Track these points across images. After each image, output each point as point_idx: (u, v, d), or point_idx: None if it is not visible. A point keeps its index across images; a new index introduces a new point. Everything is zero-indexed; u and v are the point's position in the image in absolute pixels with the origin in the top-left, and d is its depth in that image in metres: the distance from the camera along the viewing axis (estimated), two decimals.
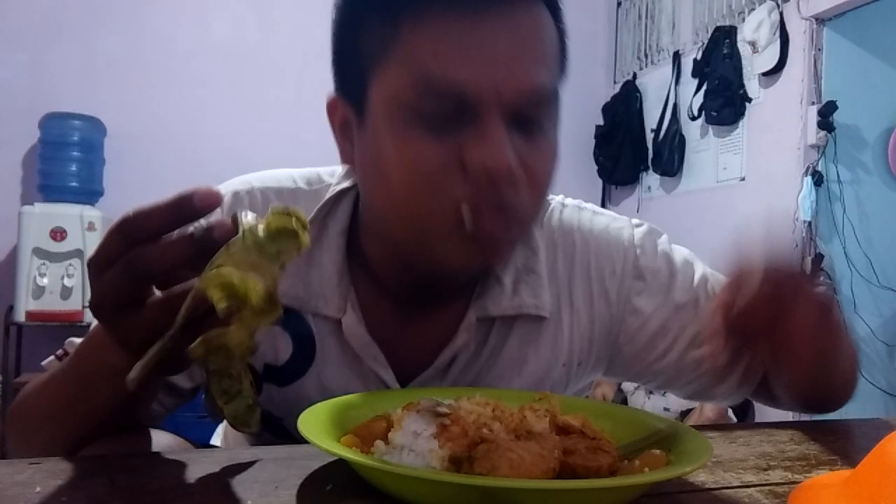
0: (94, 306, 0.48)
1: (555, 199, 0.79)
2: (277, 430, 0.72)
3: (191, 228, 0.46)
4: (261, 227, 0.44)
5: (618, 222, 0.79)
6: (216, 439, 0.96)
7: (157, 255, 0.45)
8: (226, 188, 0.73)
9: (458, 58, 0.56)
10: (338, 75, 0.66)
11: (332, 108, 0.67)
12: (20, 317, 3.06)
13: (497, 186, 0.57)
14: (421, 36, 0.57)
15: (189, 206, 0.45)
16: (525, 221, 0.64)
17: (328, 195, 0.72)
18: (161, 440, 0.66)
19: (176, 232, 0.46)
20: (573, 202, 0.81)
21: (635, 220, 0.81)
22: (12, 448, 0.68)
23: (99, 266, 0.46)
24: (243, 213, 0.45)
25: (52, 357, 0.71)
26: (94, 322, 0.60)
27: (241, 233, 0.44)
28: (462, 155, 0.57)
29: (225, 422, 0.96)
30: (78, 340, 0.67)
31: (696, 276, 0.78)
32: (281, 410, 0.71)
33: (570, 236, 0.76)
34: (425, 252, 0.62)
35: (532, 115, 0.59)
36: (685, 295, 0.76)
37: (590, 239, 0.76)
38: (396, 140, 0.59)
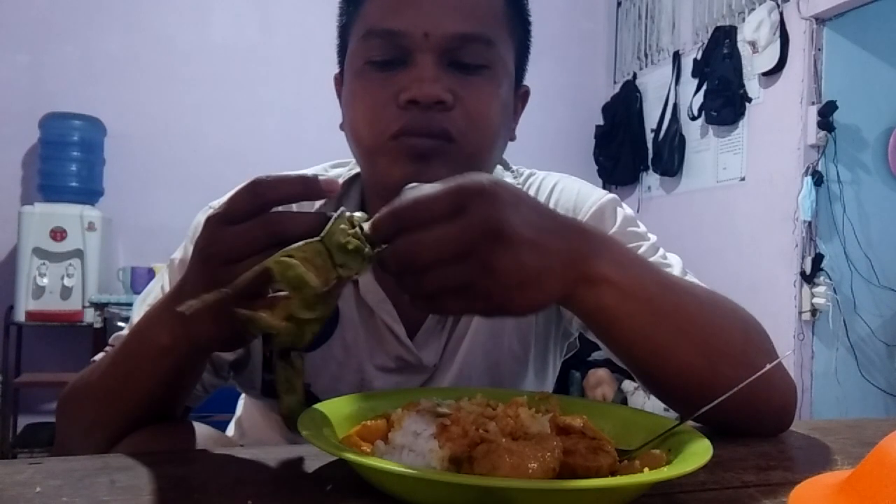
0: (206, 256, 0.51)
1: (547, 171, 0.87)
2: (306, 396, 0.74)
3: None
4: (342, 238, 0.48)
5: (593, 190, 0.84)
6: (230, 431, 0.96)
7: (296, 222, 0.49)
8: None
9: (393, 12, 0.69)
10: (338, 55, 0.78)
11: (336, 84, 0.79)
12: (20, 317, 3.07)
13: (424, 112, 0.66)
14: (371, 4, 0.71)
15: (315, 185, 0.51)
16: (466, 146, 0.68)
17: (341, 180, 0.80)
18: (201, 432, 0.69)
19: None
20: (564, 174, 0.87)
21: (613, 196, 0.84)
22: (58, 436, 0.70)
23: (225, 220, 0.50)
24: (342, 214, 0.49)
25: (100, 353, 0.74)
26: (135, 311, 0.73)
27: (322, 234, 0.48)
28: (398, 90, 0.67)
29: (238, 416, 0.98)
30: (123, 334, 0.73)
31: (642, 249, 0.77)
32: (309, 376, 0.75)
33: (546, 194, 0.84)
34: (374, 176, 0.73)
35: (468, 58, 0.69)
36: None
37: (560, 197, 0.83)
38: (354, 84, 0.72)
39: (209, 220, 0.51)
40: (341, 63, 0.78)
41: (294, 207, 0.75)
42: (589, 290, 0.51)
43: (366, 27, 0.70)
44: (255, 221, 0.49)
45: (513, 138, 0.78)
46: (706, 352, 0.57)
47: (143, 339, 0.60)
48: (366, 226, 0.49)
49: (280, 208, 0.67)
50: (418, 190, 0.47)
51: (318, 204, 0.78)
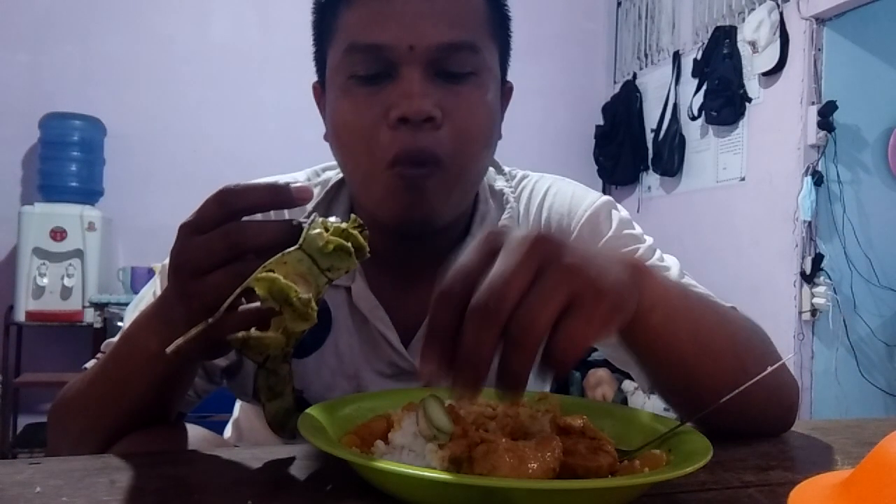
0: (175, 266, 0.50)
1: (540, 174, 0.87)
2: (297, 402, 0.74)
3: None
4: (320, 242, 0.47)
5: (587, 193, 0.83)
6: (227, 432, 0.96)
7: (257, 231, 0.48)
8: None
9: (376, 25, 0.66)
10: (315, 62, 0.76)
11: (315, 92, 0.78)
12: (20, 317, 3.07)
13: (415, 133, 0.65)
14: (351, 14, 0.68)
15: (286, 194, 0.49)
16: (454, 166, 0.67)
17: (331, 183, 0.80)
18: (195, 434, 0.69)
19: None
20: (557, 177, 0.86)
21: (608, 198, 0.83)
22: (50, 442, 0.70)
23: (193, 229, 0.49)
24: (315, 220, 0.49)
25: (92, 360, 0.74)
26: (128, 315, 0.73)
27: (300, 242, 0.47)
28: (386, 107, 0.66)
29: (236, 417, 0.98)
30: (115, 340, 0.72)
31: (639, 252, 0.77)
32: (301, 382, 0.74)
33: (539, 198, 0.83)
34: (368, 202, 0.71)
35: (454, 66, 0.67)
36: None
37: (554, 201, 0.82)
38: (338, 101, 0.70)
39: (180, 229, 0.50)
40: (320, 72, 0.76)
41: (286, 214, 0.75)
42: (643, 314, 0.50)
43: (348, 41, 0.68)
44: (217, 232, 0.48)
45: (500, 137, 0.77)
46: (734, 349, 0.59)
47: (134, 345, 0.59)
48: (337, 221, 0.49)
49: (272, 214, 0.67)
50: (493, 279, 0.41)
51: (309, 208, 0.78)
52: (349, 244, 0.48)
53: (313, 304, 0.47)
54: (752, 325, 0.66)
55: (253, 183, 0.50)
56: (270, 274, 0.46)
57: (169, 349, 0.47)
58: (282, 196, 0.50)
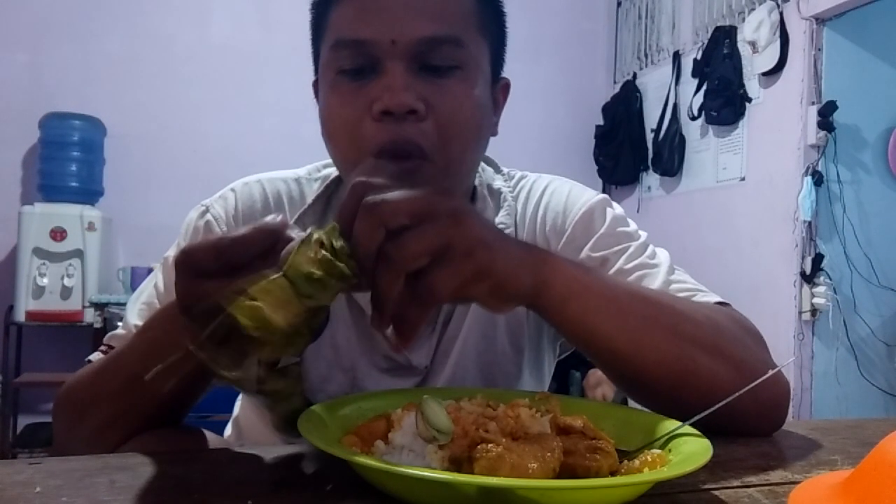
0: (180, 305, 0.49)
1: (538, 174, 0.88)
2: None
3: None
4: (306, 269, 0.46)
5: (584, 191, 0.84)
6: (227, 431, 0.96)
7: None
8: (236, 182, 0.83)
9: (360, 21, 0.68)
10: (313, 61, 0.78)
11: (315, 88, 0.78)
12: (20, 317, 3.07)
13: (399, 125, 0.66)
14: (338, 11, 0.70)
15: (279, 234, 0.48)
16: (441, 159, 0.68)
17: (330, 178, 0.81)
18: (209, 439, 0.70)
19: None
20: (556, 176, 0.87)
21: (603, 196, 0.83)
22: (59, 433, 0.69)
23: (192, 270, 0.48)
24: (309, 238, 0.47)
25: (96, 353, 0.74)
26: (129, 307, 0.74)
27: (284, 268, 0.46)
28: (370, 101, 0.67)
29: (235, 415, 0.98)
30: (120, 333, 0.74)
31: (630, 250, 0.77)
32: None
33: (537, 196, 0.84)
34: None
35: (438, 60, 0.68)
36: (595, 252, 0.77)
37: (551, 199, 0.83)
38: (329, 97, 0.71)
39: (178, 266, 0.49)
40: (317, 70, 0.77)
41: (286, 206, 0.78)
42: (550, 289, 0.55)
43: (334, 37, 0.70)
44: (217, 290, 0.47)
45: (494, 133, 0.77)
46: (676, 338, 0.60)
47: (170, 339, 0.59)
48: (337, 243, 0.47)
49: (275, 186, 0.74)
50: (389, 195, 0.48)
51: (309, 201, 0.79)
52: (332, 275, 0.46)
53: (290, 335, 0.46)
54: (733, 323, 0.66)
55: (247, 234, 0.48)
56: (253, 303, 0.45)
57: (147, 376, 0.47)
58: (274, 237, 0.49)
